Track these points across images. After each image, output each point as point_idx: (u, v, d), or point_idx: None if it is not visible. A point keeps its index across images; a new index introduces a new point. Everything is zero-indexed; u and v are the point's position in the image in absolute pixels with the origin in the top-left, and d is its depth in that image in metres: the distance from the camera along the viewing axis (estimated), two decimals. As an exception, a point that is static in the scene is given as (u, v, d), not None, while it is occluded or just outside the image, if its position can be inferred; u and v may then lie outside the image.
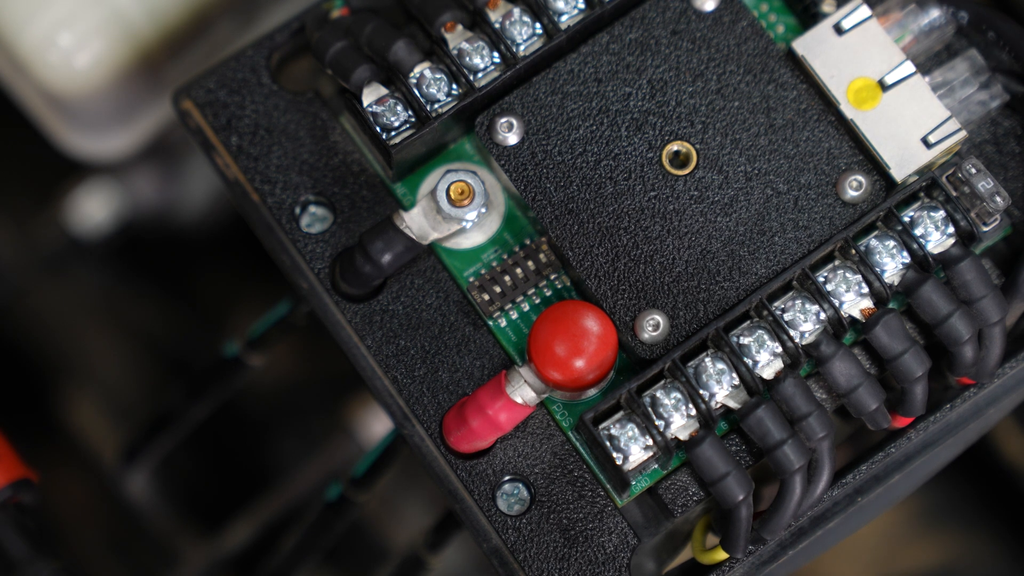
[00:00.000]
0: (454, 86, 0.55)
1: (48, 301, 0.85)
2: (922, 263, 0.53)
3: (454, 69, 0.55)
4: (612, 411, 0.52)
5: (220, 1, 0.69)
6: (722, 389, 0.52)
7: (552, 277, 0.55)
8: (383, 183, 0.56)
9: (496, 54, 0.55)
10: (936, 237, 0.53)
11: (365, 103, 0.55)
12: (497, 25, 0.55)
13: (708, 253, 0.54)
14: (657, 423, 0.52)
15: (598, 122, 0.55)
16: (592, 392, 0.54)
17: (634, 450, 0.52)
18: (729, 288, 0.53)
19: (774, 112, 0.55)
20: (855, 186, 0.54)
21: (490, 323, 0.55)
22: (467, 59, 0.55)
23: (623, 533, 0.53)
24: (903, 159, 0.54)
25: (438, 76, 0.55)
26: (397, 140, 0.54)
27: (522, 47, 0.55)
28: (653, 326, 0.53)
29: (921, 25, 0.56)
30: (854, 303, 0.53)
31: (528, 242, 0.55)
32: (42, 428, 0.84)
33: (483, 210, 0.54)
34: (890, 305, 0.53)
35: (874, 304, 0.53)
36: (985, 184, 0.53)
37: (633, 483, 0.53)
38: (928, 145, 0.54)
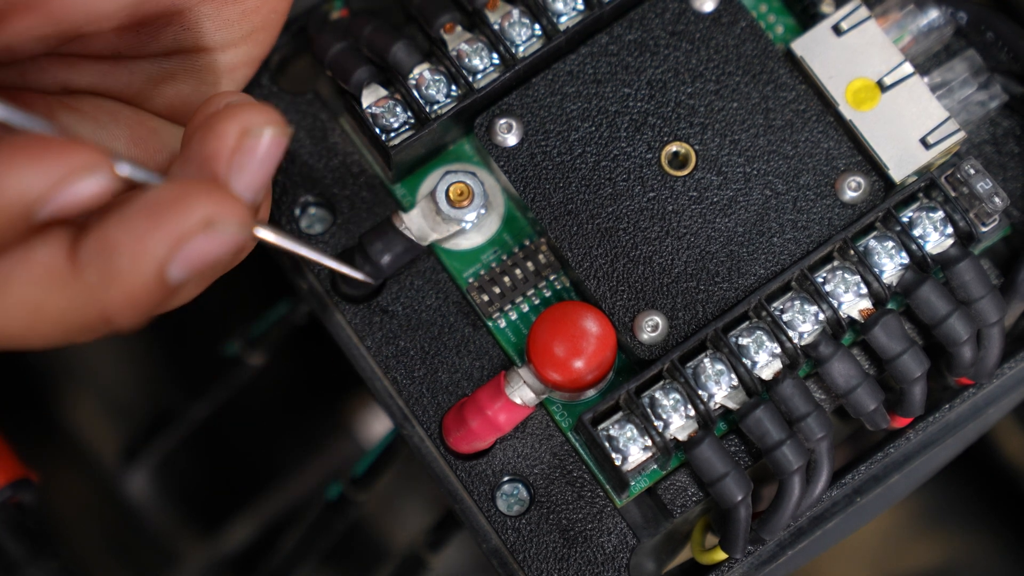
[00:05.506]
0: (453, 87, 0.55)
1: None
2: (921, 263, 0.53)
3: (453, 70, 0.55)
4: (611, 412, 0.52)
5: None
6: (721, 390, 0.52)
7: (551, 278, 0.55)
8: (383, 184, 0.56)
9: (495, 55, 0.55)
10: (935, 237, 0.53)
11: (364, 104, 0.55)
12: (496, 26, 0.55)
13: (707, 254, 0.54)
14: (656, 424, 0.52)
15: (597, 123, 0.55)
16: (591, 393, 0.54)
17: (633, 451, 0.52)
18: (728, 289, 0.53)
19: (773, 113, 0.55)
20: (854, 187, 0.54)
21: (489, 324, 0.55)
22: (466, 60, 0.55)
23: (622, 533, 0.53)
24: (902, 160, 0.54)
25: (437, 77, 0.55)
26: (396, 141, 0.55)
27: (521, 48, 0.55)
28: (652, 327, 0.53)
29: (920, 26, 0.56)
30: (853, 303, 0.53)
31: (527, 243, 0.55)
32: (42, 428, 0.84)
33: (482, 211, 0.54)
34: (889, 306, 0.53)
35: (873, 305, 0.53)
36: (984, 184, 0.53)
37: (632, 483, 0.53)
38: (927, 146, 0.54)
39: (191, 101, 0.53)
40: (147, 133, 0.53)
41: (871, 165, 0.54)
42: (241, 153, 0.47)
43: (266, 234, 0.49)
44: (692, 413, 0.52)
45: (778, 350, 0.52)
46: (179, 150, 0.51)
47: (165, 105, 0.53)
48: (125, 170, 0.47)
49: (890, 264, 0.53)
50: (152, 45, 0.52)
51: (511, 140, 0.55)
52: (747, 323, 0.53)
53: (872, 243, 0.53)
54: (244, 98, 0.49)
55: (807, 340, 0.52)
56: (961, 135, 0.54)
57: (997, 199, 0.53)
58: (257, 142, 0.47)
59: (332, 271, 0.55)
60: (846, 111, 0.54)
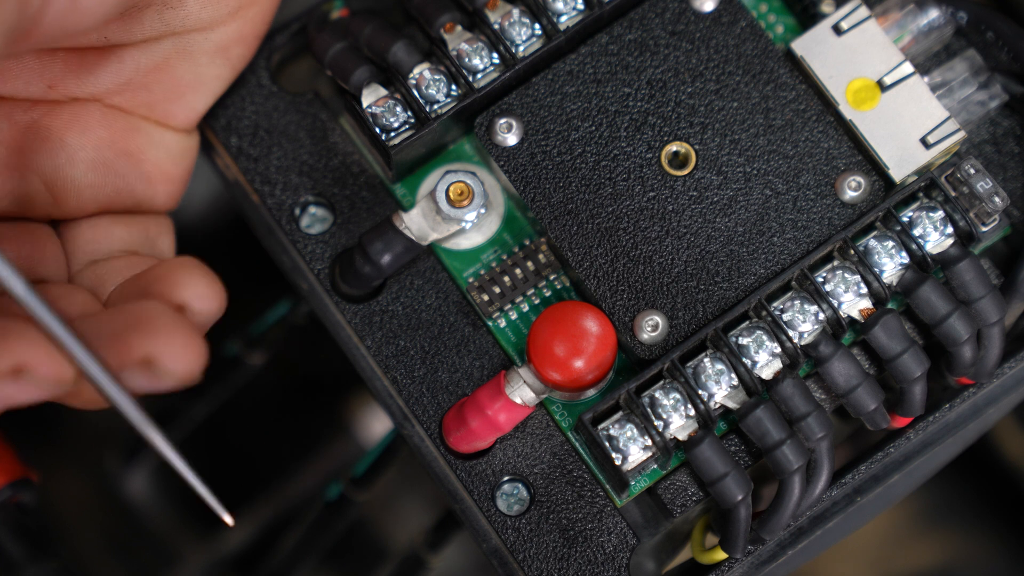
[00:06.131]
0: (453, 87, 0.55)
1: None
2: (921, 263, 0.53)
3: (453, 70, 0.55)
4: (611, 411, 0.52)
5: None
6: (721, 389, 0.52)
7: (551, 278, 0.55)
8: (383, 184, 0.56)
9: (495, 55, 0.55)
10: (935, 237, 0.53)
11: (364, 104, 0.55)
12: (496, 26, 0.55)
13: (707, 253, 0.54)
14: (656, 423, 0.52)
15: (597, 123, 0.55)
16: (591, 392, 0.54)
17: (633, 450, 0.52)
18: (728, 288, 0.53)
19: (773, 112, 0.55)
20: (854, 186, 0.54)
21: (489, 323, 0.55)
22: (466, 60, 0.55)
23: (622, 533, 0.53)
24: (902, 159, 0.54)
25: (437, 77, 0.55)
26: (396, 141, 0.55)
27: (521, 48, 0.55)
28: (652, 326, 0.53)
29: (920, 25, 0.56)
30: (853, 303, 0.53)
31: (527, 243, 0.56)
32: (42, 428, 0.83)
33: (482, 211, 0.54)
34: (889, 305, 0.53)
35: (873, 304, 0.53)
36: (984, 184, 0.53)
37: (632, 483, 0.53)
38: (927, 145, 0.54)
39: (190, 85, 0.53)
40: (115, 156, 0.53)
41: (871, 165, 0.54)
42: (136, 365, 0.46)
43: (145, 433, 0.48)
44: (692, 413, 0.52)
45: (778, 350, 0.52)
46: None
47: (165, 93, 0.53)
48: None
49: (890, 264, 0.53)
50: (137, 30, 0.52)
51: (511, 140, 0.55)
52: (747, 323, 0.53)
53: (872, 243, 0.53)
54: (185, 276, 0.48)
55: (807, 340, 0.52)
56: (961, 135, 0.54)
57: (997, 199, 0.53)
58: (151, 370, 0.47)
59: (332, 269, 0.55)
60: (846, 111, 0.54)
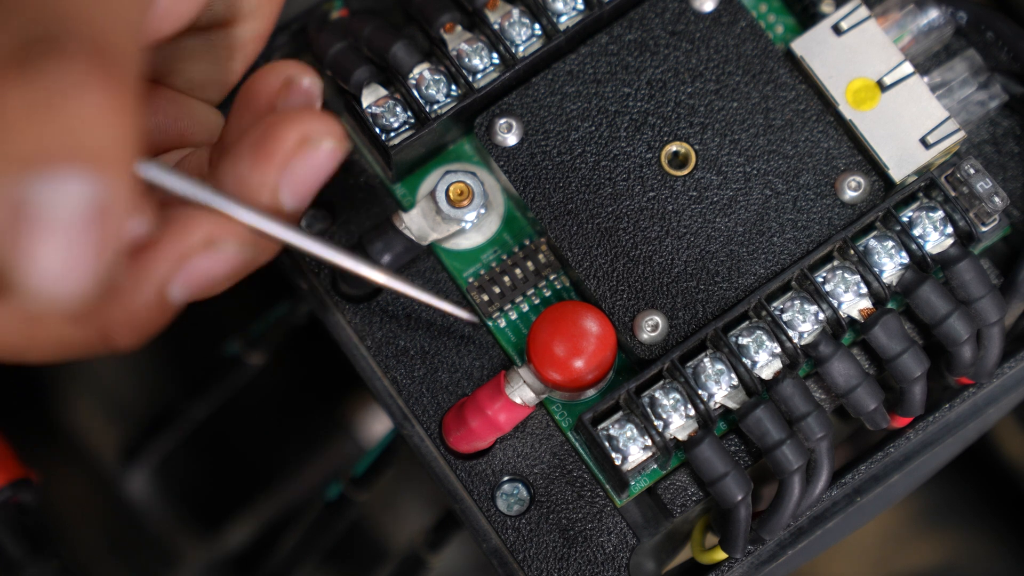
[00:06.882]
0: (453, 87, 0.55)
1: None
2: (921, 263, 0.53)
3: (453, 70, 0.55)
4: (611, 411, 0.52)
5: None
6: (721, 389, 0.52)
7: (551, 278, 0.55)
8: (383, 184, 0.56)
9: (495, 55, 0.55)
10: (935, 237, 0.53)
11: (364, 104, 0.55)
12: (496, 26, 0.55)
13: (707, 253, 0.54)
14: (656, 423, 0.52)
15: (597, 123, 0.55)
16: (591, 392, 0.54)
17: (633, 450, 0.52)
18: (728, 288, 0.53)
19: (773, 112, 0.55)
20: (854, 186, 0.54)
21: (489, 323, 0.55)
22: (466, 60, 0.55)
23: (622, 533, 0.53)
24: (902, 159, 0.54)
25: (437, 77, 0.55)
26: (396, 141, 0.55)
27: (521, 48, 0.55)
28: (652, 326, 0.53)
29: (920, 25, 0.56)
30: (853, 303, 0.53)
31: (527, 243, 0.56)
32: (42, 428, 0.84)
33: (482, 211, 0.54)
34: (889, 305, 0.53)
35: (873, 304, 0.53)
36: (984, 184, 0.53)
37: (632, 483, 0.53)
38: (927, 145, 0.54)
39: (208, 80, 0.53)
40: (178, 111, 0.53)
41: (871, 165, 0.54)
42: (296, 160, 0.46)
43: (309, 244, 0.48)
44: (692, 413, 0.52)
45: (778, 350, 0.52)
46: (222, 134, 0.50)
47: (183, 85, 0.53)
48: (164, 180, 0.45)
49: (890, 264, 0.53)
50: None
51: (511, 140, 0.55)
52: (747, 323, 0.53)
53: (872, 243, 0.53)
54: (296, 69, 0.48)
55: (807, 340, 0.52)
56: (961, 135, 0.54)
57: (997, 199, 0.53)
58: (315, 153, 0.46)
59: (332, 269, 0.55)
60: (846, 111, 0.54)
